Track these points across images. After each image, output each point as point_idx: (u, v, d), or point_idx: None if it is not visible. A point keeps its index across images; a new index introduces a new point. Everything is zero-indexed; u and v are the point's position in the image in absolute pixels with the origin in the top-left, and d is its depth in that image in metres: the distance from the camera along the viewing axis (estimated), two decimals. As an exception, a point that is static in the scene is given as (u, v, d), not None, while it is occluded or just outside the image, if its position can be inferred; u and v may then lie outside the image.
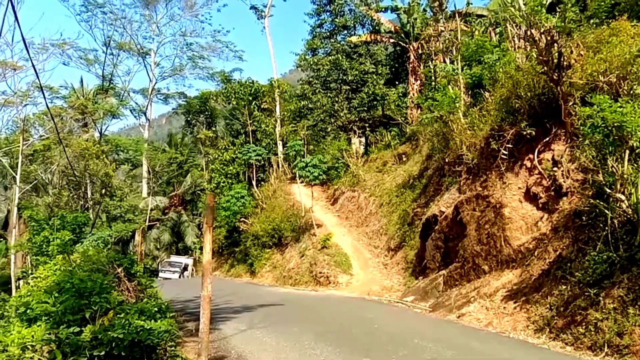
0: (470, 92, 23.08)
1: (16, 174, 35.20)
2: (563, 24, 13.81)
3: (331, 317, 15.77)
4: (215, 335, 12.58)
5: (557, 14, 14.40)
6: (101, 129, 53.87)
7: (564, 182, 14.06)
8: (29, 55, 39.82)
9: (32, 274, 17.07)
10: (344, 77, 41.38)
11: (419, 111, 34.08)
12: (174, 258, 49.39)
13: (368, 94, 40.46)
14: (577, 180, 13.70)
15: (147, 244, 52.31)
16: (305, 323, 14.59)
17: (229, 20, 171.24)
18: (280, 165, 45.73)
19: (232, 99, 50.63)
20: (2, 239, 44.16)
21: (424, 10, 37.66)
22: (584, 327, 10.42)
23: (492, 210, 16.01)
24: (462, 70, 24.15)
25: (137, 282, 12.83)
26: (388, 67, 43.01)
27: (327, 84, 43.09)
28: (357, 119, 41.03)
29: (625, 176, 10.53)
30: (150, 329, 8.65)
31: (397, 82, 44.13)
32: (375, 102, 41.78)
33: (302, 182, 35.60)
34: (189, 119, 61.40)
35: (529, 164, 15.69)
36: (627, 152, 10.54)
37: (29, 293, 10.32)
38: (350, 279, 25.07)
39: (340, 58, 40.92)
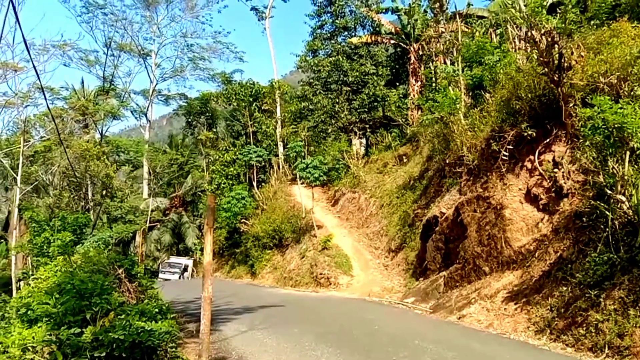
0: (470, 94, 23.09)
1: (17, 175, 35.22)
2: (564, 25, 13.82)
3: (332, 318, 15.76)
4: (216, 336, 12.57)
5: (558, 15, 14.41)
6: (102, 130, 53.86)
7: (565, 183, 14.06)
8: (29, 56, 39.99)
9: (32, 275, 17.08)
10: (345, 79, 41.41)
11: (419, 112, 34.07)
12: (174, 259, 49.34)
13: (369, 95, 40.49)
14: (577, 182, 13.69)
15: (148, 245, 52.32)
16: (305, 324, 14.59)
17: (230, 22, 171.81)
18: (280, 167, 45.73)
19: (233, 100, 50.66)
20: (2, 240, 44.17)
21: (425, 11, 37.67)
22: (584, 328, 10.41)
23: (492, 211, 16.00)
24: (462, 71, 24.14)
25: (138, 283, 12.85)
26: (388, 68, 43.05)
27: (328, 85, 43.12)
28: (357, 120, 41.06)
29: (625, 177, 10.52)
30: (151, 330, 8.66)
31: (397, 84, 44.18)
32: (375, 103, 41.81)
33: (302, 183, 35.61)
34: (189, 120, 61.44)
35: (529, 165, 15.69)
36: (628, 153, 10.54)
37: (29, 294, 10.33)
38: (351, 280, 25.06)
39: (341, 59, 40.96)
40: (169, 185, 61.66)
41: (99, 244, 24.24)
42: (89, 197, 42.66)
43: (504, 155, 16.25)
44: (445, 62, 30.75)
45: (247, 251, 37.27)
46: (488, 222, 16.05)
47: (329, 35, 44.19)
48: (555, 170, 14.53)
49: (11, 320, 10.49)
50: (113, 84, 60.34)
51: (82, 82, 58.55)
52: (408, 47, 38.42)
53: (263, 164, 45.94)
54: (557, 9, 15.28)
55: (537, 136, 15.47)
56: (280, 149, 47.14)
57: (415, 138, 32.62)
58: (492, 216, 15.92)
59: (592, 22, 16.86)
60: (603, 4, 16.73)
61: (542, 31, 14.16)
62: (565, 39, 14.02)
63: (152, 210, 51.65)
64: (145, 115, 62.66)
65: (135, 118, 64.38)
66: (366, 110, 41.22)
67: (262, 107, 49.13)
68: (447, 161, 21.67)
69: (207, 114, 59.44)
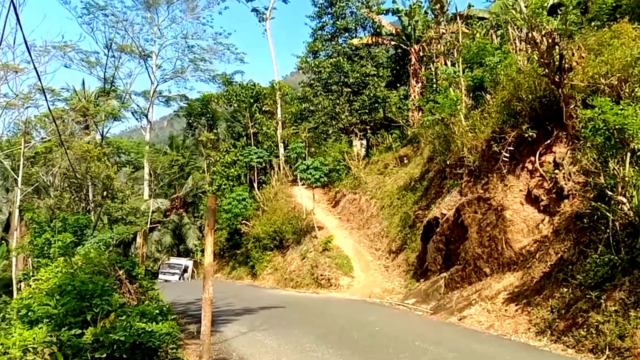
0: (471, 95, 23.10)
1: (18, 176, 35.20)
2: (564, 26, 13.83)
3: (332, 320, 15.76)
4: (217, 337, 12.58)
5: (559, 16, 14.41)
6: (103, 132, 53.87)
7: (566, 184, 14.05)
8: (30, 57, 40.00)
9: (33, 276, 17.10)
10: (345, 80, 41.44)
11: (420, 113, 34.10)
12: (174, 260, 49.28)
13: (369, 96, 40.52)
14: (578, 183, 13.69)
15: (149, 247, 52.32)
16: (306, 325, 14.60)
17: (231, 23, 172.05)
18: (281, 168, 45.75)
19: (234, 101, 50.69)
20: (3, 241, 44.17)
21: (425, 12, 37.71)
22: (585, 329, 10.40)
23: (493, 212, 16.00)
24: (463, 72, 24.16)
25: (139, 285, 12.86)
26: (389, 69, 43.07)
27: (329, 87, 43.15)
28: (358, 121, 41.09)
29: (626, 179, 10.52)
30: (151, 331, 8.66)
31: (398, 85, 44.20)
32: (376, 105, 41.84)
33: (303, 184, 35.62)
34: (190, 121, 61.42)
35: (530, 167, 15.69)
36: (629, 154, 10.54)
37: (30, 295, 10.34)
38: (352, 282, 25.06)
39: (342, 60, 40.99)
40: (170, 187, 61.63)
41: (100, 245, 24.20)
42: (90, 199, 42.61)
43: (505, 157, 16.24)
44: (446, 64, 30.74)
45: (247, 252, 37.27)
46: (489, 224, 16.05)
47: (329, 36, 44.26)
48: (556, 171, 14.53)
49: (12, 322, 10.50)
50: (114, 85, 60.38)
51: (83, 83, 58.68)
52: (409, 48, 38.45)
53: (264, 165, 45.95)
54: (558, 10, 15.29)
55: (537, 137, 15.47)
56: (281, 150, 47.14)
57: (416, 139, 32.64)
58: (493, 217, 15.92)
59: (592, 24, 16.85)
60: (604, 5, 16.72)
61: (543, 32, 14.16)
62: (566, 40, 14.03)
63: (152, 212, 51.59)
64: (146, 116, 62.68)
65: (136, 119, 64.46)
66: (367, 111, 41.26)
67: (263, 109, 49.15)
68: (448, 162, 21.68)
69: (208, 115, 59.43)
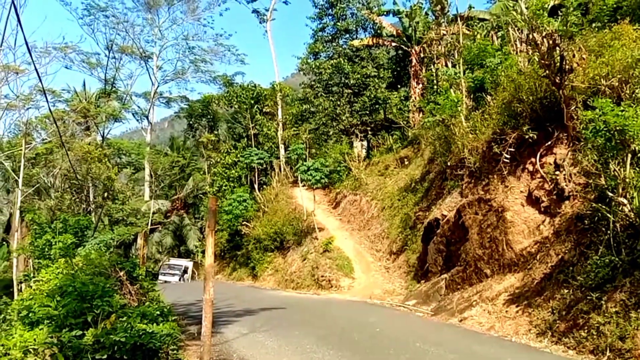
0: (472, 96, 23.09)
1: (18, 178, 35.22)
2: (565, 27, 13.82)
3: (333, 321, 15.76)
4: (217, 338, 12.59)
5: (559, 17, 14.40)
6: (103, 133, 54.00)
7: (566, 185, 14.04)
8: (31, 58, 39.99)
9: (34, 277, 17.09)
10: (346, 81, 41.47)
11: (421, 115, 34.11)
12: (174, 261, 49.17)
13: (370, 97, 40.54)
14: (579, 184, 13.68)
15: (149, 248, 52.35)
16: (307, 327, 14.60)
17: (231, 24, 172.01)
18: (282, 169, 45.77)
19: (234, 102, 50.72)
20: (4, 242, 44.18)
21: (426, 14, 37.70)
22: (586, 330, 10.40)
23: (494, 214, 15.99)
24: (464, 73, 24.16)
25: (139, 286, 12.87)
26: (390, 70, 43.10)
27: (329, 88, 43.17)
28: (359, 122, 41.12)
29: (627, 180, 10.52)
30: (152, 332, 8.66)
31: (399, 86, 44.21)
32: (377, 106, 41.87)
33: (304, 185, 35.63)
34: (191, 122, 61.48)
35: (531, 168, 15.69)
36: (629, 156, 10.54)
37: (31, 296, 10.34)
38: (352, 283, 25.07)
39: (342, 62, 41.02)
40: (171, 188, 61.65)
41: (101, 247, 24.20)
42: (91, 200, 42.63)
43: (506, 158, 16.24)
44: (446, 65, 30.76)
45: (248, 253, 37.28)
46: (489, 225, 16.05)
47: (330, 37, 44.28)
48: (557, 172, 14.52)
49: (13, 323, 10.51)
50: (114, 87, 60.54)
51: (84, 84, 58.84)
52: (409, 49, 38.46)
53: (264, 166, 46.00)
54: (559, 12, 15.26)
55: (538, 139, 15.46)
56: (282, 151, 47.16)
57: (416, 140, 32.63)
58: (494, 219, 15.91)
59: (593, 25, 16.84)
60: (604, 7, 16.71)
61: (544, 34, 14.16)
62: (566, 42, 14.02)
63: (153, 213, 51.63)
64: (147, 117, 62.80)
65: (137, 120, 64.55)
66: (367, 112, 41.28)
67: (264, 110, 49.17)
68: (449, 164, 21.68)
69: (209, 117, 59.48)
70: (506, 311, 13.46)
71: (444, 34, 31.78)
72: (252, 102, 49.07)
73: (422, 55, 37.19)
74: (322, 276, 26.11)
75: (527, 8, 14.80)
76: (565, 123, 14.59)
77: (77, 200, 41.56)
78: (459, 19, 30.30)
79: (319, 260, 27.51)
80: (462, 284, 16.81)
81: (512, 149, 16.19)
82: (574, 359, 10.06)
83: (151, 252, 52.79)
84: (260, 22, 55.25)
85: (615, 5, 16.91)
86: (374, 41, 41.18)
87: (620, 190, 10.67)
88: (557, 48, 13.93)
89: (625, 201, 10.63)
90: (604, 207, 11.17)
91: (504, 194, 15.99)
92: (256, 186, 44.11)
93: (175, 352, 9.89)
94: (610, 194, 10.90)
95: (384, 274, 24.97)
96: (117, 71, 59.83)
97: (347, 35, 44.10)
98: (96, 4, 56.42)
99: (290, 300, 22.52)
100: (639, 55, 12.67)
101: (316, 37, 45.03)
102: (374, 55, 42.98)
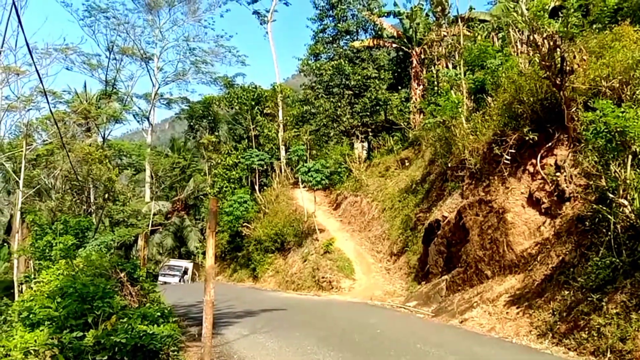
0: (472, 97, 23.09)
1: (19, 179, 35.22)
2: (566, 29, 13.82)
3: (333, 322, 15.75)
4: (218, 340, 12.58)
5: (560, 19, 14.40)
6: (104, 134, 53.93)
7: (567, 187, 14.04)
8: (32, 60, 39.89)
9: (35, 278, 17.09)
10: (347, 82, 41.46)
11: (421, 116, 34.09)
12: (174, 262, 49.06)
13: (370, 98, 40.54)
14: (579, 186, 13.68)
15: (150, 249, 52.32)
16: (307, 328, 14.59)
17: (232, 25, 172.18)
18: (282, 170, 45.76)
19: (235, 103, 50.73)
20: (5, 244, 44.21)
21: (427, 15, 37.70)
22: (586, 332, 10.39)
23: (494, 215, 15.99)
24: (464, 75, 24.16)
25: (140, 287, 12.86)
26: (390, 72, 43.10)
27: (330, 89, 43.16)
28: (359, 123, 41.11)
29: (628, 181, 10.51)
30: (152, 333, 8.67)
31: (399, 87, 44.20)
32: (377, 107, 41.87)
33: (304, 186, 35.63)
34: (191, 123, 61.52)
35: (531, 169, 15.68)
36: (630, 157, 10.53)
37: (31, 298, 10.34)
38: (353, 284, 25.06)
39: (343, 63, 41.01)
40: (171, 189, 61.68)
41: (101, 248, 24.19)
42: (91, 201, 42.61)
43: (506, 159, 16.24)
44: (447, 66, 30.76)
45: (249, 255, 37.28)
46: (490, 226, 16.04)
47: (331, 39, 44.28)
48: (558, 174, 14.52)
49: (13, 324, 10.51)
50: (115, 88, 60.55)
51: (85, 85, 59.12)
52: (410, 50, 38.46)
53: (265, 167, 45.99)
54: (559, 13, 15.26)
55: (539, 140, 15.46)
56: (282, 152, 47.15)
57: (417, 142, 32.63)
58: (494, 220, 15.91)
59: (594, 26, 16.85)
60: (605, 8, 16.72)
61: (544, 35, 14.17)
62: (567, 43, 14.02)
63: (154, 214, 51.65)
64: (148, 118, 62.84)
65: (138, 122, 64.65)
66: (368, 114, 41.28)
67: (264, 111, 49.16)
68: (449, 165, 21.68)
69: (209, 118, 59.52)
70: (507, 312, 13.46)
71: (444, 35, 31.80)
72: (253, 103, 49.07)
73: (422, 56, 37.19)
74: (323, 277, 26.11)
75: (527, 9, 14.80)
76: (566, 124, 14.58)
77: (78, 201, 41.55)
78: (459, 20, 30.32)
79: (320, 261, 27.51)
80: (462, 285, 16.81)
81: (513, 150, 16.19)
82: (575, 361, 10.06)
83: (152, 253, 52.77)
84: (260, 24, 55.38)
85: (615, 7, 16.92)
86: (375, 42, 41.15)
87: (621, 192, 10.66)
88: (558, 49, 13.93)
89: (626, 202, 10.63)
90: (604, 208, 11.17)
91: (505, 196, 15.99)
92: (257, 187, 44.11)
93: (175, 353, 9.89)
94: (611, 196, 10.90)
95: (385, 276, 24.97)
96: (117, 72, 59.93)
97: (348, 37, 44.08)
98: (97, 5, 56.54)
99: (291, 301, 22.51)
100: None
101: (317, 38, 45.03)
102: (375, 56, 42.98)
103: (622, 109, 10.45)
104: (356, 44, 41.80)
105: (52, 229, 23.45)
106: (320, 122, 44.28)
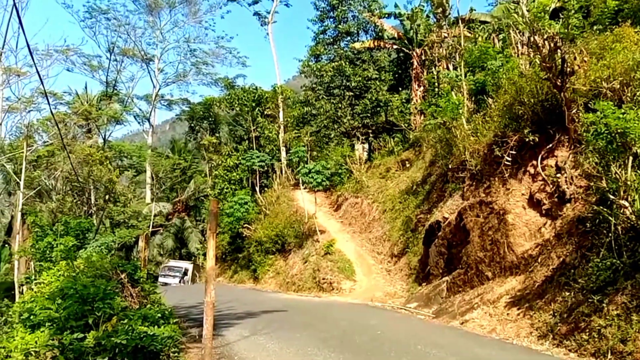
0: (473, 99, 23.10)
1: (20, 180, 35.26)
2: (566, 30, 13.83)
3: (334, 323, 15.74)
4: (219, 341, 12.57)
5: (561, 20, 14.41)
6: (105, 135, 54.03)
7: (568, 188, 14.04)
8: (33, 61, 40.03)
9: (35, 279, 17.11)
10: (347, 83, 41.43)
11: (422, 117, 34.09)
12: (174, 262, 48.94)
13: (371, 100, 40.51)
14: (580, 187, 13.69)
15: (151, 250, 52.27)
16: (308, 329, 14.58)
17: (233, 27, 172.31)
18: (283, 172, 45.77)
19: (236, 105, 50.73)
20: (6, 245, 44.22)
21: (427, 16, 37.69)
22: (587, 333, 10.39)
23: (495, 216, 15.99)
24: (465, 76, 24.17)
25: (141, 288, 12.86)
26: (391, 73, 43.06)
27: (331, 90, 43.14)
28: (360, 125, 41.09)
29: (628, 183, 10.52)
30: (153, 334, 8.67)
31: (400, 88, 44.16)
32: (378, 108, 41.84)
33: (305, 188, 35.62)
34: (192, 125, 61.52)
35: (532, 171, 15.68)
36: (631, 158, 10.53)
37: (32, 299, 10.35)
38: (354, 285, 25.04)
39: (344, 64, 41.00)
40: (172, 190, 61.67)
41: (102, 249, 24.28)
42: (92, 202, 42.72)
43: (507, 161, 16.25)
44: (447, 67, 30.78)
45: (249, 256, 37.26)
46: (491, 227, 16.04)
47: (331, 40, 44.26)
48: (558, 175, 14.52)
49: (14, 325, 10.52)
50: (116, 89, 60.59)
51: (85, 87, 59.27)
52: (411, 52, 38.45)
53: (266, 169, 46.00)
54: (560, 14, 15.27)
55: (539, 141, 15.46)
56: (283, 154, 47.15)
57: (417, 143, 32.61)
58: (495, 221, 15.91)
59: (594, 27, 16.86)
60: (606, 9, 16.72)
61: (545, 36, 14.18)
62: (568, 44, 14.04)
63: (154, 215, 51.62)
64: (148, 120, 62.90)
65: (138, 123, 64.67)
66: (369, 115, 41.25)
67: (265, 112, 49.17)
68: (450, 166, 21.67)
69: (210, 119, 59.52)
70: (507, 314, 13.46)
71: (445, 37, 31.78)
72: (254, 104, 49.08)
73: (423, 57, 37.18)
74: (324, 279, 26.10)
75: (528, 11, 14.82)
76: (566, 126, 14.59)
77: (79, 202, 41.64)
78: (460, 21, 30.30)
79: (320, 262, 27.49)
80: (463, 286, 16.80)
81: (514, 152, 16.20)
82: (576, 362, 10.06)
83: (152, 254, 52.72)
84: (261, 25, 55.41)
85: (616, 8, 16.92)
86: (375, 44, 41.13)
87: (622, 193, 10.66)
88: (559, 51, 13.94)
89: (626, 204, 10.63)
90: (605, 209, 11.17)
91: (505, 197, 15.99)
92: (257, 189, 44.10)
93: (176, 354, 9.89)
94: (611, 197, 10.90)
95: (385, 277, 24.96)
96: (118, 74, 59.98)
97: (349, 38, 44.07)
98: (98, 6, 56.62)
99: (292, 302, 22.51)
100: (640, 58, 12.68)
101: (317, 39, 45.02)
102: (375, 57, 42.95)
103: (623, 111, 10.45)
104: (357, 45, 41.79)
105: (53, 230, 23.51)
106: (321, 124, 44.27)
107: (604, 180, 11.14)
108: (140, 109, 63.04)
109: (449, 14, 32.64)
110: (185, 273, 46.18)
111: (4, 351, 8.19)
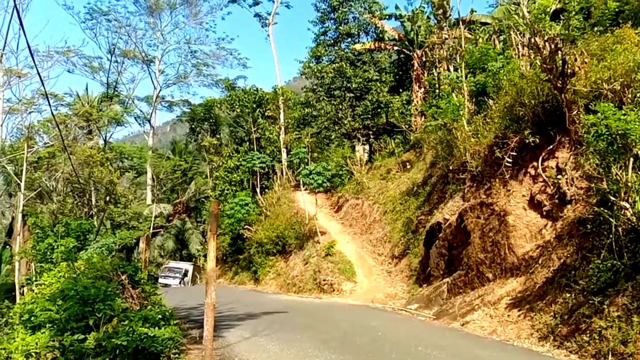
0: (474, 100, 23.09)
1: (21, 181, 35.24)
2: (567, 31, 13.84)
3: (335, 325, 15.73)
4: (219, 342, 12.56)
5: (561, 21, 14.41)
6: (105, 137, 54.00)
7: (568, 189, 14.04)
8: (34, 62, 40.02)
9: (36, 281, 17.11)
10: (348, 85, 41.42)
11: (423, 119, 34.10)
12: (174, 263, 48.86)
13: (372, 101, 40.49)
14: (581, 188, 13.68)
15: (151, 252, 52.26)
16: (308, 330, 14.57)
17: (234, 28, 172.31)
18: (284, 173, 45.78)
19: (236, 106, 50.76)
20: (6, 246, 44.20)
21: (428, 18, 37.67)
22: (588, 335, 10.38)
23: (496, 218, 15.98)
24: (466, 77, 24.16)
25: (141, 289, 12.87)
26: (392, 74, 43.02)
27: (331, 92, 43.12)
28: (361, 126, 41.08)
29: (629, 184, 10.51)
30: (154, 336, 8.68)
31: (401, 90, 44.15)
32: (379, 110, 41.82)
33: (306, 189, 35.62)
34: (193, 126, 61.55)
35: (533, 172, 15.68)
36: (632, 160, 10.52)
37: (33, 300, 10.35)
38: (354, 287, 25.03)
39: (344, 66, 40.98)
40: (173, 192, 61.67)
41: (103, 250, 24.27)
42: (93, 203, 42.67)
43: (508, 162, 16.25)
44: (448, 69, 30.78)
45: (250, 257, 37.25)
46: (491, 229, 16.04)
47: (332, 41, 44.24)
48: (559, 176, 14.52)
49: (15, 326, 10.52)
50: (117, 91, 60.60)
51: (86, 88, 59.23)
52: (411, 53, 38.46)
53: (266, 170, 46.01)
54: (561, 16, 15.28)
55: (540, 143, 15.46)
56: (284, 155, 47.17)
57: (418, 144, 32.61)
58: (496, 222, 15.90)
59: (595, 29, 16.87)
60: (606, 11, 16.73)
61: (546, 38, 14.18)
62: (568, 46, 14.04)
63: (155, 217, 51.60)
64: (149, 121, 62.89)
65: (139, 124, 64.82)
66: (369, 116, 41.23)
67: (266, 114, 49.21)
68: (451, 167, 21.67)
69: (211, 121, 59.56)
70: (508, 315, 13.45)
71: (445, 38, 31.80)
72: (254, 106, 49.11)
73: (424, 59, 37.20)
74: (324, 280, 26.09)
75: (529, 12, 14.83)
76: (567, 127, 14.59)
77: (79, 204, 41.60)
78: (460, 23, 30.28)
79: (321, 264, 27.49)
80: (464, 288, 16.79)
81: (514, 153, 16.20)
82: (577, 364, 10.05)
83: (153, 256, 52.70)
84: (262, 26, 55.59)
85: (617, 10, 16.93)
86: (376, 45, 41.14)
87: (622, 195, 10.65)
88: (559, 52, 13.95)
89: (627, 205, 10.62)
90: (606, 211, 11.16)
91: (506, 198, 15.99)
92: (258, 190, 44.10)
93: (177, 356, 9.89)
94: (612, 198, 10.89)
95: (386, 278, 24.95)
96: (119, 75, 60.03)
97: (349, 39, 44.04)
98: (98, 8, 56.70)
99: (292, 304, 22.49)
100: (641, 59, 12.67)
101: (318, 41, 45.00)
102: (376, 59, 42.92)
103: (624, 112, 10.45)
104: (357, 46, 41.78)
105: (54, 232, 23.52)
106: (322, 125, 44.26)
107: (605, 182, 11.13)
108: (141, 111, 63.14)
109: (450, 15, 32.66)
110: (185, 274, 46.12)
111: (5, 352, 8.19)
